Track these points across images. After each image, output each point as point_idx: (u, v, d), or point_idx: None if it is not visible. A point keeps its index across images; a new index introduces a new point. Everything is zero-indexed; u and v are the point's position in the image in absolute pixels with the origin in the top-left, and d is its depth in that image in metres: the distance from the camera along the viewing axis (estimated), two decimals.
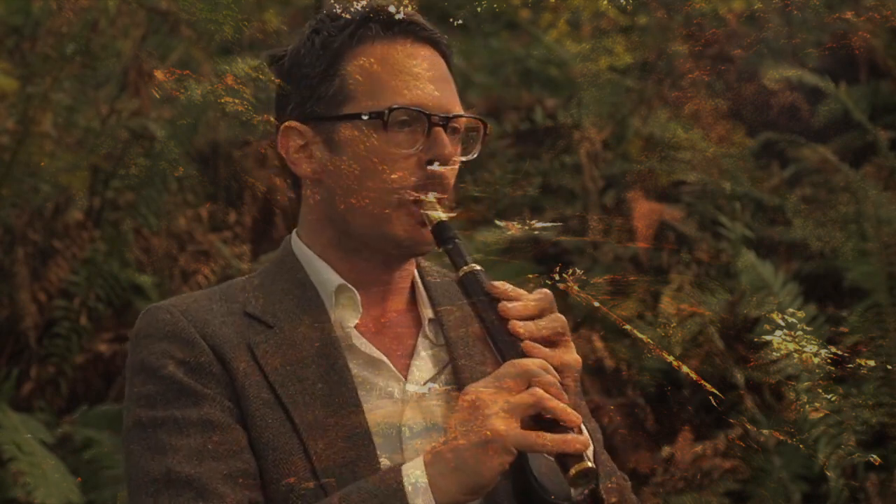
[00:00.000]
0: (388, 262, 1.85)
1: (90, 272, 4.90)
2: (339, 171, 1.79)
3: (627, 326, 1.77)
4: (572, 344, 1.72)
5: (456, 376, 1.81)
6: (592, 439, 1.78)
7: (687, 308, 4.31)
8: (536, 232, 1.81)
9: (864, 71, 5.94)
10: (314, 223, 1.87)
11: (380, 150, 1.77)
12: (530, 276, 1.77)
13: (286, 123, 1.84)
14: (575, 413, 1.63)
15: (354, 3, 1.86)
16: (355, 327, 1.82)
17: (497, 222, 1.82)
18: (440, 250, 1.78)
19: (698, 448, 4.36)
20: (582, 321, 4.27)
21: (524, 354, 1.66)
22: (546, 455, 1.66)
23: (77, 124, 5.05)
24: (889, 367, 3.94)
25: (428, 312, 1.88)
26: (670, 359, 1.74)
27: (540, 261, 1.81)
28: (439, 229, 1.76)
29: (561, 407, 1.62)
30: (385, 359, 1.81)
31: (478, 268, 1.74)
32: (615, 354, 4.56)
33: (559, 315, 1.71)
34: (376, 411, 1.77)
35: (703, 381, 1.73)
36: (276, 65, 1.89)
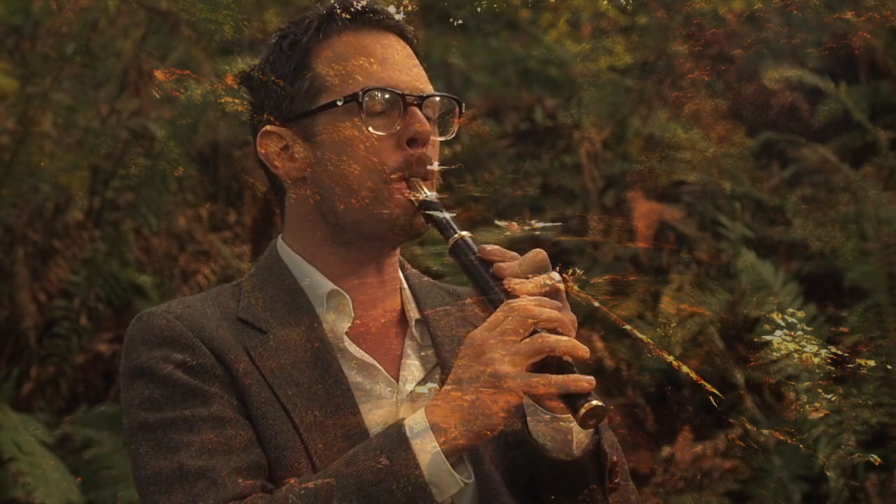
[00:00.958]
0: (382, 253, 1.86)
1: (90, 272, 4.90)
2: (322, 164, 1.80)
3: (627, 326, 1.77)
4: (567, 302, 1.72)
5: (445, 375, 1.82)
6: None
7: (687, 308, 4.31)
8: (536, 232, 1.82)
9: (864, 71, 5.94)
10: (302, 224, 1.88)
11: (358, 135, 1.78)
12: (530, 275, 1.78)
13: (264, 128, 1.85)
14: (583, 346, 1.63)
15: (354, 2, 1.87)
16: (346, 333, 1.83)
17: (497, 222, 1.83)
18: (430, 225, 1.79)
19: (698, 448, 4.36)
20: (582, 321, 4.27)
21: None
22: (549, 402, 1.66)
23: (77, 124, 5.05)
24: (889, 367, 3.94)
25: (414, 314, 1.89)
26: (670, 359, 1.74)
27: None
28: (425, 205, 1.78)
29: (569, 342, 1.62)
30: (376, 363, 1.82)
31: (467, 234, 1.76)
32: (615, 354, 4.56)
33: (553, 273, 1.72)
34: (373, 411, 1.77)
35: (703, 381, 1.73)
36: (246, 80, 1.90)
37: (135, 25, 5.24)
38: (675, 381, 4.56)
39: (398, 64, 1.83)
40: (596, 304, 1.74)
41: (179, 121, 5.00)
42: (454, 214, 1.80)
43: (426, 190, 1.79)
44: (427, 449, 1.61)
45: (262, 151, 1.86)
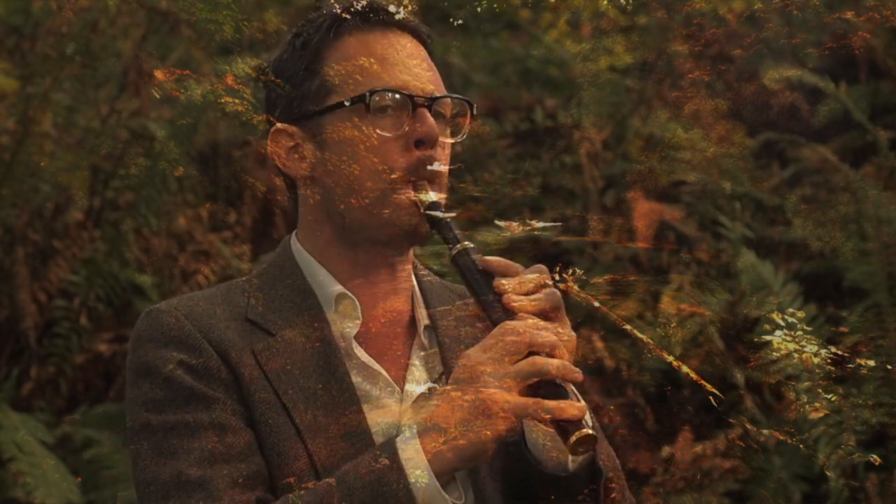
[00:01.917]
0: (390, 255, 1.85)
1: (90, 272, 4.90)
2: (331, 165, 1.80)
3: (627, 326, 1.77)
4: (567, 319, 1.72)
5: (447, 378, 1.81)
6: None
7: (687, 308, 4.31)
8: (536, 232, 1.81)
9: (864, 71, 5.94)
10: (313, 223, 1.87)
11: (366, 136, 1.78)
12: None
13: (275, 127, 1.85)
14: (576, 369, 1.63)
15: (354, 2, 1.86)
16: (354, 337, 1.82)
17: (497, 222, 1.82)
18: (435, 240, 1.79)
19: (698, 448, 4.36)
20: (582, 321, 4.27)
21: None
22: (543, 426, 1.66)
23: (77, 124, 5.05)
24: (889, 367, 3.94)
25: (423, 319, 1.88)
26: (670, 359, 1.74)
27: (540, 261, 1.81)
28: (431, 209, 1.77)
29: (562, 366, 1.62)
30: (382, 370, 1.81)
31: (470, 245, 1.75)
32: (615, 354, 4.56)
33: (554, 290, 1.71)
34: (376, 417, 1.77)
35: (703, 381, 1.73)
36: (263, 74, 1.90)
37: (135, 25, 5.24)
38: (675, 381, 4.56)
39: (409, 64, 1.82)
40: (596, 304, 1.74)
41: (179, 121, 5.00)
42: (454, 215, 1.79)
43: (432, 194, 1.78)
44: (419, 473, 1.61)
45: (271, 150, 1.85)
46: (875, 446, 4.06)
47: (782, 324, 1.80)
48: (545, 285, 1.71)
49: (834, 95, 5.28)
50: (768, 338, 1.80)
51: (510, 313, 1.67)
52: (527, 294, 1.69)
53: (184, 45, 5.48)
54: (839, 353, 1.79)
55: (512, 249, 1.83)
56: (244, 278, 1.90)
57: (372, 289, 1.84)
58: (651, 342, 1.76)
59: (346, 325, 1.82)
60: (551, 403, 1.60)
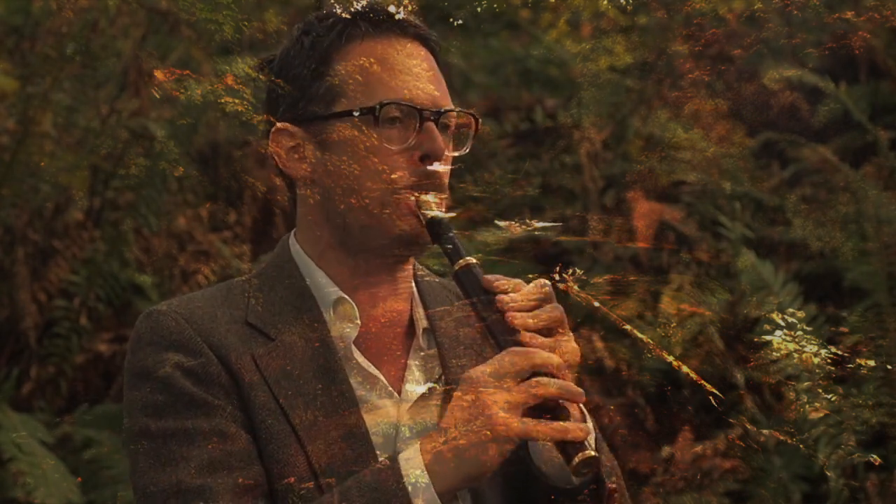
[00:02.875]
0: (387, 262, 1.84)
1: (90, 272, 4.90)
2: (333, 170, 1.79)
3: (627, 326, 1.77)
4: (571, 334, 1.71)
5: (447, 386, 1.81)
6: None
7: (687, 308, 4.31)
8: (536, 232, 1.81)
9: (864, 71, 5.94)
10: (312, 225, 1.86)
11: (372, 146, 1.77)
12: (530, 276, 1.77)
13: (277, 125, 1.84)
14: (578, 389, 1.63)
15: (354, 2, 1.85)
16: (354, 342, 1.82)
17: (497, 222, 1.82)
18: (435, 245, 1.78)
19: (698, 448, 4.36)
20: (582, 321, 4.27)
21: (522, 345, 1.66)
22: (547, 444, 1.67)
23: (77, 124, 5.05)
24: (889, 367, 3.93)
25: (423, 322, 1.87)
26: (670, 359, 1.74)
27: (540, 261, 1.81)
28: (434, 224, 1.76)
29: (563, 386, 1.62)
30: (380, 375, 1.81)
31: (473, 261, 1.74)
32: (615, 354, 4.56)
33: (557, 305, 1.71)
34: (374, 421, 1.77)
35: (703, 381, 1.73)
36: (268, 68, 1.89)
37: (135, 25, 5.24)
38: (675, 381, 4.55)
39: (419, 75, 1.81)
40: (596, 304, 1.74)
41: (179, 121, 5.00)
42: (454, 214, 1.79)
43: (436, 208, 1.77)
44: (421, 491, 1.61)
45: (272, 149, 1.84)
46: (875, 446, 4.05)
47: (782, 324, 1.80)
48: (548, 300, 1.70)
49: (834, 95, 5.27)
50: (768, 338, 1.80)
51: (513, 330, 1.67)
52: (529, 310, 1.69)
53: (184, 45, 5.48)
54: (839, 353, 1.79)
55: (512, 249, 1.83)
56: (244, 278, 1.89)
57: (370, 292, 1.84)
58: (651, 342, 1.76)
59: (344, 329, 1.81)
60: (554, 425, 1.60)
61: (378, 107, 1.76)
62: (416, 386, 1.81)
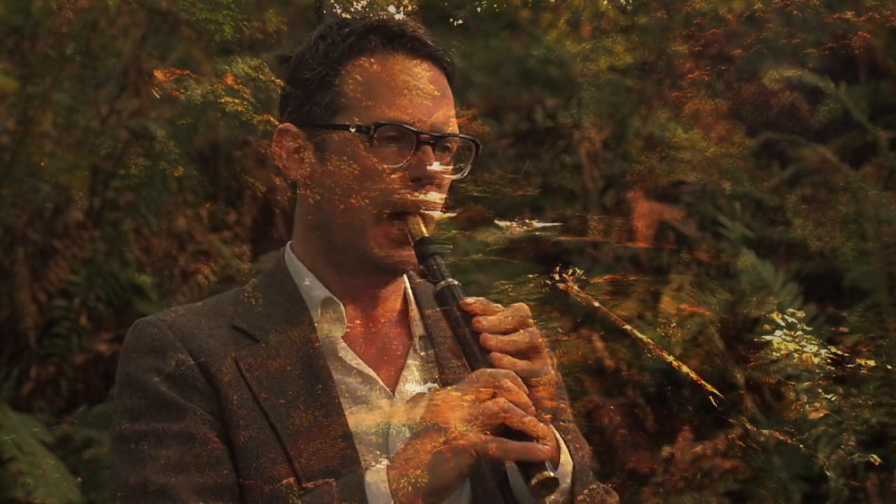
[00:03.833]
0: (373, 279, 1.84)
1: (90, 272, 4.90)
2: (325, 179, 1.79)
3: (627, 326, 1.77)
4: (547, 358, 1.70)
5: (442, 385, 1.81)
6: (573, 453, 1.77)
7: (687, 308, 4.31)
8: (536, 232, 1.81)
9: (864, 71, 5.94)
10: (305, 230, 1.87)
11: (365, 163, 1.77)
12: (530, 276, 1.77)
13: (282, 125, 1.85)
14: (540, 425, 1.62)
15: (354, 2, 1.86)
16: (343, 339, 1.82)
17: (497, 222, 1.82)
18: (421, 267, 1.78)
19: (698, 448, 4.36)
20: (582, 321, 4.27)
21: (493, 367, 1.65)
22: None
23: (77, 124, 5.05)
24: (889, 367, 3.93)
25: (419, 329, 1.88)
26: (670, 359, 1.74)
27: (540, 261, 1.81)
28: (421, 244, 1.76)
29: (523, 419, 1.60)
30: (374, 374, 1.81)
31: (455, 283, 1.74)
32: (615, 354, 4.56)
33: (534, 329, 1.70)
34: (361, 416, 1.77)
35: (703, 381, 1.73)
36: (284, 66, 1.89)
37: (135, 25, 5.24)
38: (675, 381, 4.56)
39: (423, 96, 1.80)
40: (596, 304, 1.74)
41: (179, 121, 5.00)
42: (453, 215, 1.79)
43: (423, 229, 1.77)
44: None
45: (275, 148, 1.85)
46: (875, 446, 4.05)
47: (782, 324, 1.80)
48: (524, 325, 1.70)
49: (834, 95, 5.28)
50: (768, 338, 1.81)
51: (485, 352, 1.66)
52: (504, 333, 1.68)
53: (184, 45, 5.48)
54: (839, 353, 1.79)
55: (512, 249, 1.83)
56: (237, 289, 1.90)
57: (360, 293, 1.84)
58: (651, 342, 1.76)
59: (332, 328, 1.81)
60: (514, 444, 1.59)
61: (373, 127, 1.77)
62: (410, 385, 1.82)
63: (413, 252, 1.77)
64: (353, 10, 1.85)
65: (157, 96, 4.98)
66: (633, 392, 4.62)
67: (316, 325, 1.81)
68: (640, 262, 5.22)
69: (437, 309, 1.84)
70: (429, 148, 1.78)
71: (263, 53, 1.90)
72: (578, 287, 1.74)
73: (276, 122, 1.86)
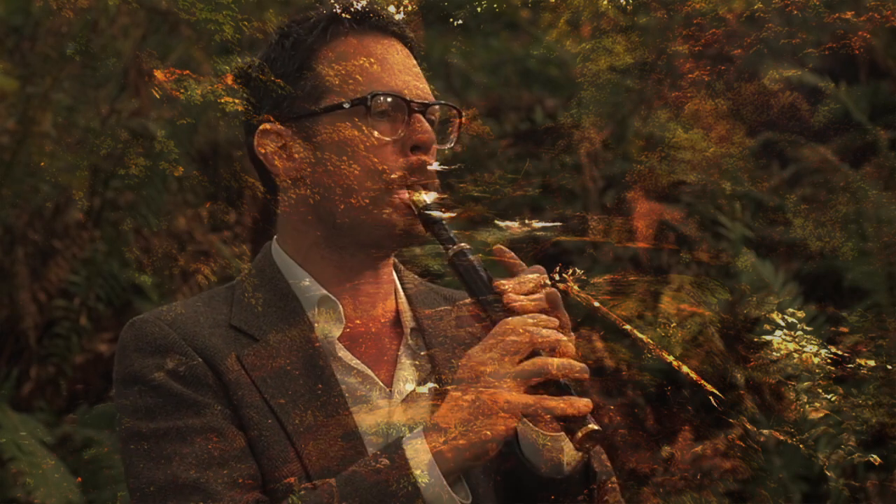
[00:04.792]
0: (376, 257, 1.85)
1: (90, 272, 4.90)
2: (323, 165, 1.79)
3: (627, 326, 1.77)
4: (566, 316, 1.72)
5: (439, 384, 1.81)
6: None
7: (687, 308, 4.31)
8: (536, 232, 1.81)
9: (864, 71, 5.94)
10: (296, 225, 1.87)
11: (362, 138, 1.78)
12: (530, 275, 1.77)
13: (262, 126, 1.85)
14: (581, 365, 1.63)
15: (354, 2, 1.86)
16: (339, 339, 1.82)
17: (497, 222, 1.82)
18: (428, 234, 1.79)
19: (698, 448, 4.36)
20: (582, 321, 4.26)
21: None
22: (541, 426, 1.66)
23: (77, 124, 5.05)
24: (889, 367, 3.94)
25: (410, 322, 1.88)
26: (670, 359, 1.74)
27: (540, 261, 1.81)
28: (426, 213, 1.77)
29: (564, 363, 1.62)
30: (369, 371, 1.81)
31: (467, 247, 1.75)
32: (615, 354, 4.56)
33: (553, 290, 1.71)
34: (365, 418, 1.77)
35: (703, 381, 1.73)
36: (244, 76, 1.89)
37: (135, 25, 5.24)
38: (675, 381, 4.56)
39: (402, 69, 1.83)
40: (596, 304, 1.74)
41: (179, 121, 5.00)
42: (454, 215, 1.79)
43: (428, 198, 1.78)
44: (427, 472, 1.60)
45: (261, 150, 1.85)
46: (875, 446, 4.06)
47: (782, 324, 1.80)
48: (544, 285, 1.70)
49: (834, 95, 5.28)
50: (768, 338, 1.81)
51: (511, 313, 1.67)
52: (526, 294, 1.69)
53: (184, 45, 5.48)
54: (839, 353, 1.80)
55: (512, 249, 1.83)
56: (227, 286, 1.90)
57: (355, 291, 1.84)
58: (651, 342, 1.76)
59: (329, 328, 1.81)
60: (555, 401, 1.60)
61: (369, 97, 1.77)
62: (406, 383, 1.82)
63: (417, 220, 1.78)
64: (333, 9, 1.85)
65: (157, 96, 4.98)
66: (633, 392, 4.62)
67: (315, 324, 1.81)
68: (640, 262, 5.22)
69: (438, 310, 1.85)
70: (420, 116, 1.80)
71: (258, 53, 1.90)
72: (578, 287, 1.74)
73: (276, 123, 1.86)
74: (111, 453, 4.36)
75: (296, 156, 1.82)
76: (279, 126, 1.84)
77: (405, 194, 1.78)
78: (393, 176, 1.77)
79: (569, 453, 1.72)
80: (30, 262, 4.91)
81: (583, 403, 1.60)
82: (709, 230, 5.28)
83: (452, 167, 1.86)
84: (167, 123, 5.10)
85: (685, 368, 1.72)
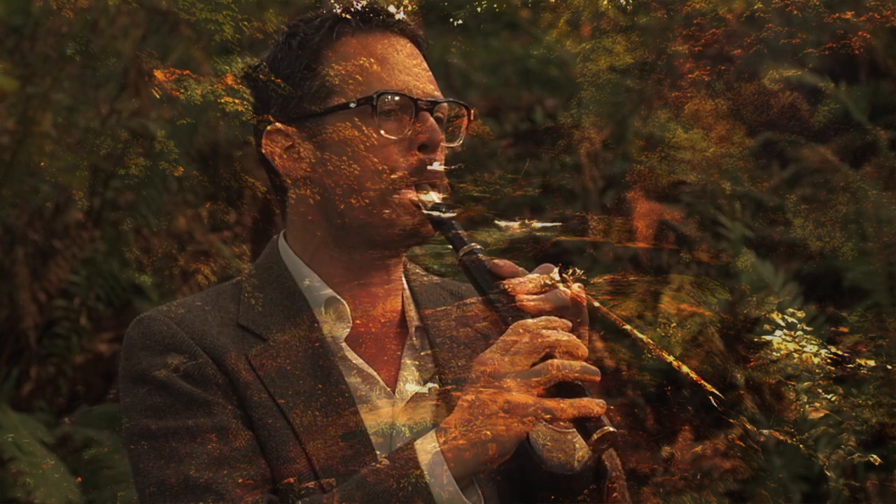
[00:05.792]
0: (385, 256, 1.84)
1: (90, 272, 4.90)
2: (330, 165, 1.79)
3: (627, 326, 1.77)
4: (584, 313, 1.72)
5: (442, 384, 1.81)
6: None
7: (687, 308, 4.31)
8: (536, 232, 1.81)
9: (864, 71, 5.94)
10: (307, 224, 1.86)
11: (369, 137, 1.77)
12: (530, 275, 1.77)
13: (270, 126, 1.84)
14: (594, 369, 1.63)
15: (354, 2, 1.86)
16: (345, 339, 1.81)
17: (497, 222, 1.82)
18: (437, 234, 1.78)
19: (698, 448, 4.36)
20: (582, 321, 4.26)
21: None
22: (554, 426, 1.66)
23: (77, 124, 5.05)
24: (889, 367, 3.93)
25: (414, 320, 1.87)
26: (670, 359, 1.74)
27: (540, 261, 1.81)
28: (435, 213, 1.77)
29: (580, 367, 1.61)
30: (374, 372, 1.81)
31: (477, 247, 1.74)
32: (615, 354, 4.56)
33: (564, 289, 1.71)
34: (371, 418, 1.77)
35: (703, 381, 1.73)
36: (250, 76, 1.89)
37: (135, 25, 5.24)
38: (675, 381, 4.55)
39: (410, 68, 1.82)
40: (596, 304, 1.74)
41: (179, 121, 5.00)
42: (454, 214, 1.79)
43: (436, 197, 1.77)
44: (438, 476, 1.60)
45: (267, 150, 1.84)
46: (875, 446, 4.05)
47: (782, 324, 1.80)
48: (553, 286, 1.70)
49: (834, 95, 5.28)
50: (768, 338, 1.81)
51: (523, 314, 1.66)
52: (537, 294, 1.68)
53: (184, 45, 5.47)
54: (839, 353, 1.80)
55: (512, 249, 1.83)
56: (233, 282, 1.89)
57: (363, 291, 1.84)
58: (651, 342, 1.76)
59: (336, 328, 1.81)
60: (573, 402, 1.59)
61: (375, 97, 1.77)
62: (410, 384, 1.82)
63: (426, 220, 1.77)
64: (352, 10, 1.85)
65: (157, 96, 4.97)
66: (633, 392, 4.62)
67: (322, 324, 1.81)
68: (640, 262, 5.22)
69: (439, 306, 1.85)
70: (427, 114, 1.79)
71: (263, 53, 1.90)
72: (578, 287, 1.74)
73: (276, 123, 1.86)
74: (111, 453, 4.35)
75: (303, 156, 1.82)
76: (286, 126, 1.83)
77: (413, 194, 1.77)
78: (400, 175, 1.76)
79: (579, 450, 1.72)
80: (30, 262, 4.91)
81: (597, 405, 1.61)
82: (709, 230, 5.27)
83: (452, 167, 1.86)
84: (167, 123, 5.09)
85: (685, 368, 1.72)
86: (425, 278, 1.95)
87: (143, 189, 4.93)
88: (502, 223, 1.82)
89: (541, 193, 5.49)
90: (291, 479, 1.69)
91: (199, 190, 5.35)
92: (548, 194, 5.53)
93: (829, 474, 4.22)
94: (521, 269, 1.73)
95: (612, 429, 1.59)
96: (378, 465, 1.64)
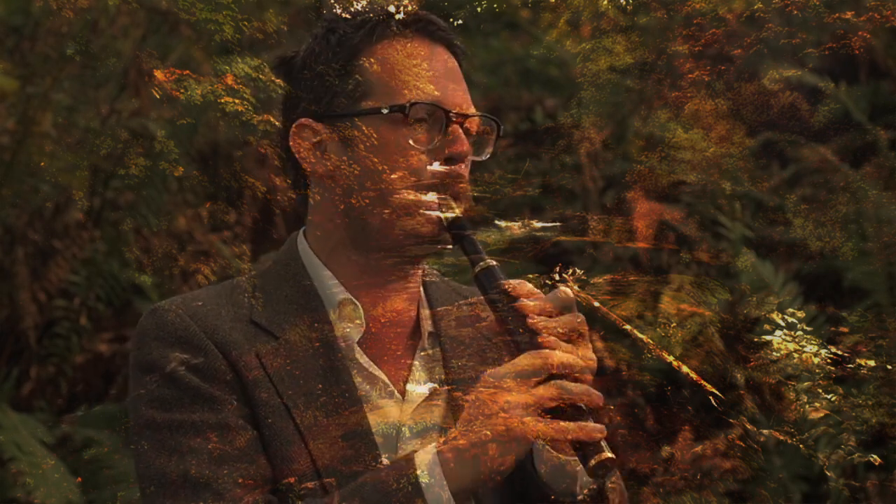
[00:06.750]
0: (401, 263, 1.84)
1: (90, 272, 4.90)
2: (356, 167, 1.78)
3: (627, 326, 1.77)
4: (590, 344, 1.71)
5: (451, 392, 1.81)
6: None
7: (687, 308, 4.31)
8: (536, 232, 1.81)
9: (864, 71, 5.94)
10: (325, 222, 1.85)
11: (397, 144, 1.77)
12: (530, 276, 1.77)
13: (299, 121, 1.83)
14: (597, 394, 1.63)
15: (354, 2, 1.85)
16: (357, 341, 1.81)
17: (497, 222, 1.82)
18: (455, 247, 1.78)
19: (698, 448, 4.36)
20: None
21: (541, 348, 1.65)
22: (555, 449, 1.66)
23: (77, 124, 5.05)
24: (889, 367, 3.93)
25: (428, 326, 1.87)
26: (670, 359, 1.74)
27: (540, 261, 1.81)
28: (455, 226, 1.76)
29: (584, 389, 1.62)
30: (384, 377, 1.81)
31: (494, 263, 1.73)
32: (615, 354, 4.56)
33: (578, 314, 1.71)
34: (378, 422, 1.77)
35: (703, 381, 1.73)
36: (285, 66, 1.88)
37: (135, 25, 5.24)
38: (675, 381, 4.55)
39: (446, 78, 1.81)
40: (596, 304, 1.74)
41: (179, 121, 5.00)
42: (457, 214, 1.79)
43: (458, 210, 1.77)
44: (437, 492, 1.60)
45: (295, 144, 1.84)
46: (875, 446, 4.05)
47: (782, 324, 1.80)
48: (569, 308, 1.70)
49: (834, 95, 5.28)
50: (768, 338, 1.81)
51: (533, 334, 1.66)
52: (550, 316, 1.68)
53: (184, 45, 5.48)
54: (839, 353, 1.80)
55: (512, 249, 1.83)
56: (248, 276, 1.88)
57: (378, 294, 1.83)
58: (651, 342, 1.76)
59: (349, 331, 1.81)
60: (571, 426, 1.59)
61: (408, 105, 1.76)
62: (418, 387, 1.81)
63: (445, 231, 1.77)
64: (352, 10, 1.84)
65: (157, 96, 4.98)
66: (633, 392, 4.62)
67: (335, 325, 1.81)
68: (640, 262, 5.22)
69: (453, 304, 1.85)
70: (457, 127, 1.79)
71: (263, 53, 1.90)
72: (578, 287, 1.74)
73: (276, 122, 1.86)
74: (111, 453, 4.36)
75: (330, 154, 1.81)
76: (316, 123, 1.82)
77: (435, 204, 1.77)
78: (424, 184, 1.76)
79: (583, 478, 1.72)
80: (30, 262, 4.91)
81: (596, 430, 1.60)
82: (709, 230, 5.27)
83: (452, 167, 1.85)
84: (167, 123, 5.10)
85: (685, 368, 1.72)
86: (442, 284, 1.94)
87: (143, 189, 4.93)
88: (502, 223, 1.82)
89: (541, 193, 5.49)
90: (292, 480, 1.69)
91: (199, 190, 5.35)
92: (548, 194, 5.53)
93: (829, 474, 4.22)
94: (537, 290, 1.72)
95: (610, 455, 1.59)
96: (377, 475, 1.64)
